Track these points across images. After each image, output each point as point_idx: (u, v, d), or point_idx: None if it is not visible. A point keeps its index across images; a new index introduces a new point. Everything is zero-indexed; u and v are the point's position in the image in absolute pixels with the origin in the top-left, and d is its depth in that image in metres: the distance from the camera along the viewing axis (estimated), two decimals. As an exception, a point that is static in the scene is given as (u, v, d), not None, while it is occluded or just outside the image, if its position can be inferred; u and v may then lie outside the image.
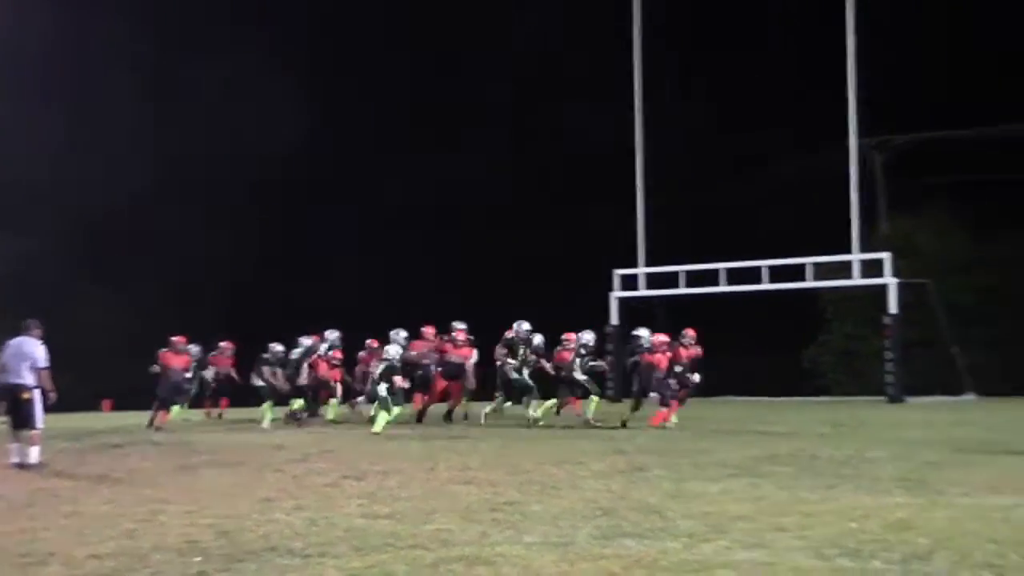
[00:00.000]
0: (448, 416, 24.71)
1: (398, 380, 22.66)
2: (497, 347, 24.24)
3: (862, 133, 34.60)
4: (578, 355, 23.43)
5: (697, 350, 23.84)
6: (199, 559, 9.20)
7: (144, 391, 26.41)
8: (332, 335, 26.06)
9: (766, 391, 34.12)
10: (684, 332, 23.70)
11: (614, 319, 35.70)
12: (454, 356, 24.74)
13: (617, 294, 36.09)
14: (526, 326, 24.30)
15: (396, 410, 22.59)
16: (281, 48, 47.67)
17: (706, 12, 44.24)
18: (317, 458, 17.04)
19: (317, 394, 25.90)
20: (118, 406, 34.98)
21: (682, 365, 23.00)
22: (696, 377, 23.71)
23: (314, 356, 25.57)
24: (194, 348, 27.46)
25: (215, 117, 44.25)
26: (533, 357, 24.03)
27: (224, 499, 12.53)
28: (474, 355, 24.91)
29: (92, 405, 34.34)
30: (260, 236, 47.81)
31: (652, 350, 22.77)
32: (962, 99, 41.59)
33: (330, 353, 25.75)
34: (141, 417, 25.86)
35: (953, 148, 40.79)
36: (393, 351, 23.22)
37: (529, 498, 12.27)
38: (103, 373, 38.17)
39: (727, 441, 19.27)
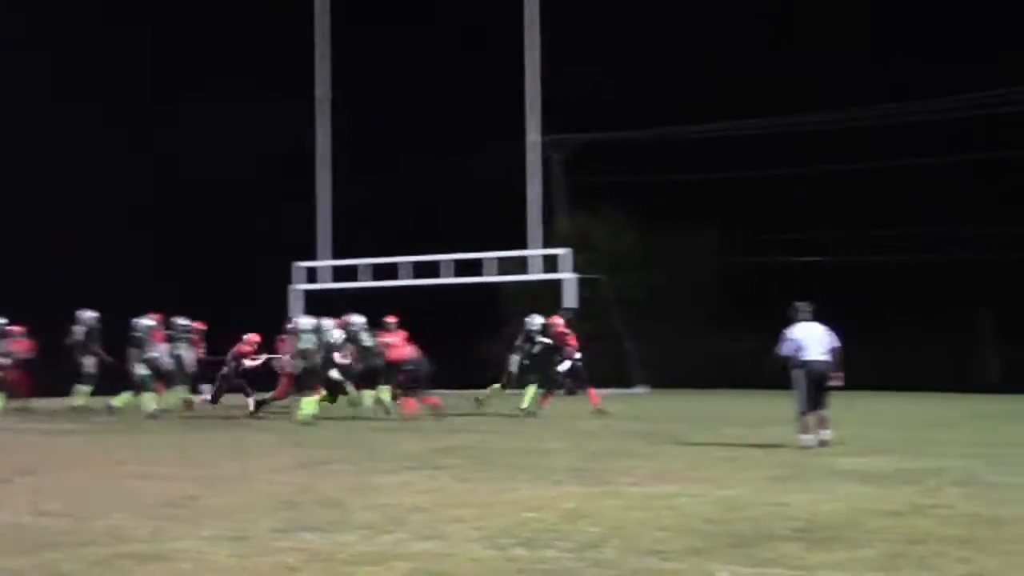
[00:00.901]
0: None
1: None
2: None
3: (541, 131, 35.41)
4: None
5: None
6: None
7: None
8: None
9: (447, 383, 34.48)
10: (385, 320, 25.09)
11: (295, 312, 35.42)
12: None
13: (297, 287, 35.86)
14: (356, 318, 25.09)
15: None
16: None
17: (393, 6, 44.54)
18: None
19: None
20: None
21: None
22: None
23: None
24: None
25: None
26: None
27: None
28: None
29: None
30: None
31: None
32: (635, 101, 43.07)
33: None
34: None
35: (627, 149, 42.18)
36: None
37: (207, 492, 12.14)
38: None
39: (407, 434, 19.46)
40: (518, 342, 24.86)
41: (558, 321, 25.01)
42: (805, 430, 16.44)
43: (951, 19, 38.96)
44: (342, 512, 10.77)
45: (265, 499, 11.64)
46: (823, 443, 16.19)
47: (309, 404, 22.05)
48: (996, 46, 37.98)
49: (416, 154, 44.56)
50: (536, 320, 24.76)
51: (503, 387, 25.22)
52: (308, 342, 22.72)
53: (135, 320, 25.06)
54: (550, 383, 24.34)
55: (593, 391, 24.18)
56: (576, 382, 24.75)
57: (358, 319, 25.25)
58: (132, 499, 11.73)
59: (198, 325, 28.48)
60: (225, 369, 24.71)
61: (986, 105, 36.71)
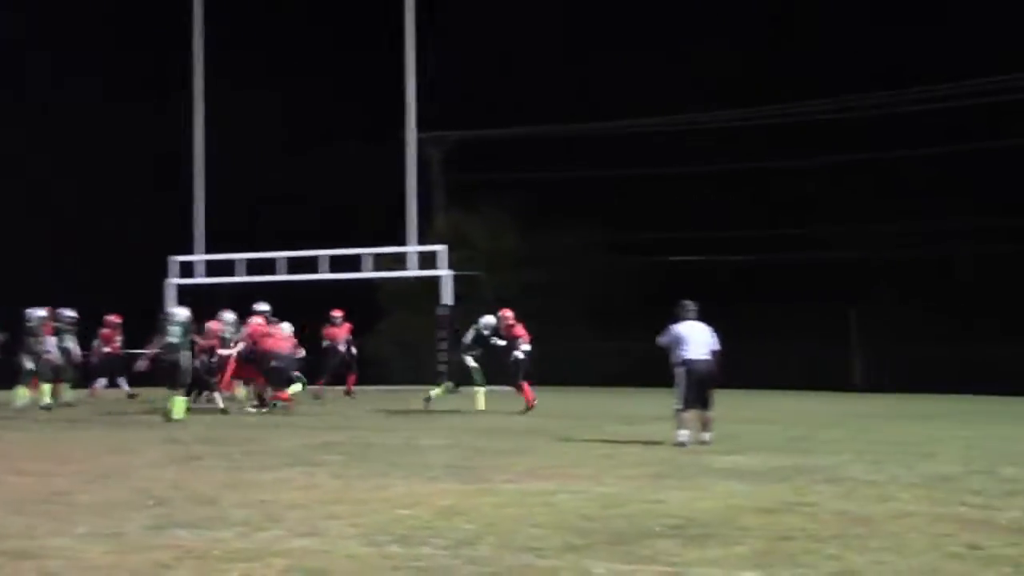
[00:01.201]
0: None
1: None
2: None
3: (420, 128, 35.36)
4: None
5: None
6: None
7: None
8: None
9: (364, 379, 34.29)
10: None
11: (171, 306, 34.92)
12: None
13: (173, 281, 35.40)
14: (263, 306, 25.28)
15: None
16: None
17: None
18: None
19: None
20: None
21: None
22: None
23: None
24: None
25: None
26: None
27: None
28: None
29: None
30: None
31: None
32: (513, 98, 43.26)
33: None
34: None
35: (506, 146, 42.33)
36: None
37: (80, 488, 11.96)
38: None
39: (283, 430, 19.34)
40: (468, 341, 24.47)
41: (507, 314, 24.84)
42: (681, 426, 16.58)
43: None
44: (217, 509, 10.67)
45: (137, 495, 11.49)
46: (703, 443, 16.32)
47: (179, 404, 21.61)
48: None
49: (296, 149, 44.30)
50: (489, 321, 24.47)
51: (456, 386, 24.91)
52: (174, 336, 22.25)
53: (27, 311, 24.82)
54: (510, 379, 24.29)
55: (528, 387, 24.09)
56: (515, 375, 24.66)
57: (230, 315, 25.10)
58: (4, 495, 11.51)
59: (114, 318, 28.71)
60: (196, 363, 23.92)
61: (855, 108, 37.38)
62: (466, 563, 8.38)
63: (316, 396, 27.64)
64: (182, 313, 22.95)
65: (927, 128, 37.21)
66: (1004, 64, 35.05)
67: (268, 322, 25.08)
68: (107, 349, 29.06)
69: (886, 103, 37.15)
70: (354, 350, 29.90)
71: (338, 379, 29.67)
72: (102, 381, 28.78)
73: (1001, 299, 37.06)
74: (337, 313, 29.56)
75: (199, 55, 36.13)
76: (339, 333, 29.36)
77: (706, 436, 16.53)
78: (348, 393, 29.16)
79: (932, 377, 32.87)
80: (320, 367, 28.93)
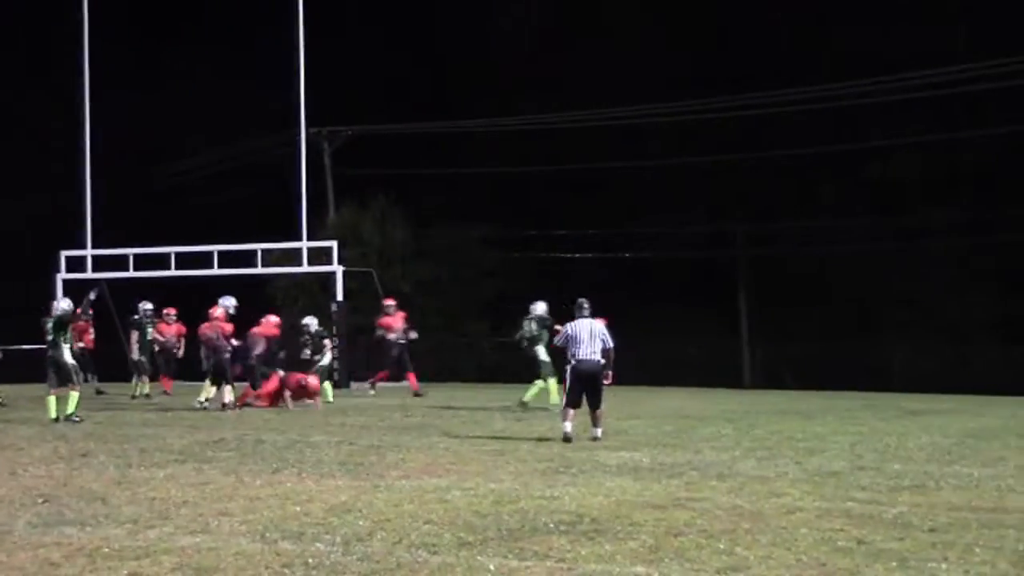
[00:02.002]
0: None
1: None
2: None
3: (312, 122, 35.16)
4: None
5: (180, 326, 28.19)
6: None
7: None
8: None
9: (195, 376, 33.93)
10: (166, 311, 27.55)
11: (58, 302, 34.37)
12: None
13: (63, 276, 34.81)
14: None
15: None
16: None
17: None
18: None
19: None
20: None
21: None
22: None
23: None
24: None
25: None
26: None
27: None
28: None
29: None
30: None
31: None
32: (407, 94, 43.25)
33: None
34: None
35: (397, 142, 42.31)
36: None
37: (-36, 487, 11.76)
38: None
39: (173, 426, 19.14)
40: (531, 331, 23.82)
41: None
42: (564, 419, 16.70)
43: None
44: (106, 506, 10.56)
45: (24, 492, 11.33)
46: (595, 439, 16.40)
47: (73, 400, 20.93)
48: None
49: (187, 143, 43.98)
50: (543, 307, 23.92)
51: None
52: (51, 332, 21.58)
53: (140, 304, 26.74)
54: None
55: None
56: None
57: (147, 305, 26.42)
58: None
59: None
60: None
61: (758, 106, 37.74)
62: (358, 559, 8.39)
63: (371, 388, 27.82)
64: (60, 307, 22.01)
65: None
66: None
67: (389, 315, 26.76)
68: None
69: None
70: (413, 335, 28.04)
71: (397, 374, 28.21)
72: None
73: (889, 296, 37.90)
74: (390, 301, 28.62)
75: (85, 44, 35.54)
76: (394, 323, 27.91)
77: (596, 432, 16.63)
78: (416, 393, 26.82)
79: (823, 374, 33.36)
80: (377, 360, 28.41)
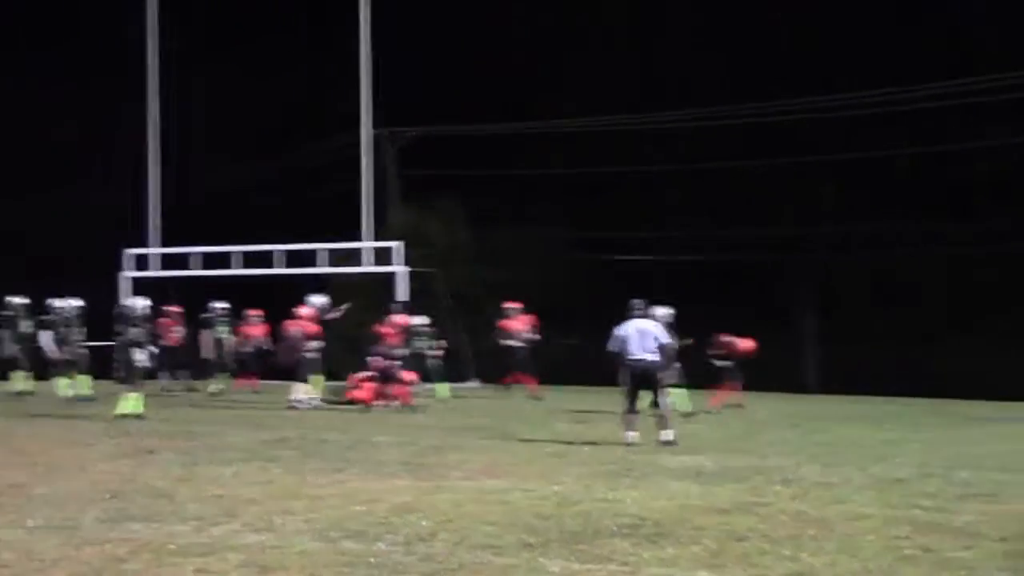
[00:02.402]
0: None
1: None
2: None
3: (376, 123, 35.22)
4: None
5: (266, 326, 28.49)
6: None
7: None
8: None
9: (280, 375, 34.09)
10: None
11: (125, 299, 34.67)
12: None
13: (128, 274, 35.12)
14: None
15: None
16: None
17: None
18: None
19: None
20: None
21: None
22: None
23: None
24: None
25: None
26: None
27: None
28: None
29: None
30: None
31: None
32: (471, 96, 43.22)
33: None
34: None
35: (462, 143, 42.24)
36: None
37: (34, 481, 11.88)
38: None
39: (237, 425, 19.23)
40: (671, 341, 23.80)
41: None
42: (628, 427, 16.56)
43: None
44: (171, 503, 10.63)
45: (92, 488, 11.44)
46: (667, 443, 16.18)
47: (137, 399, 20.92)
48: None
49: (251, 143, 44.14)
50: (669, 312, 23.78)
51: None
52: (27, 327, 21.74)
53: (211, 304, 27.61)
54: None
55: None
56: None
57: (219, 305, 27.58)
58: (-46, 488, 11.43)
59: (176, 308, 29.49)
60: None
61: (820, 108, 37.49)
62: (420, 559, 8.39)
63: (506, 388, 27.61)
64: (138, 305, 22.33)
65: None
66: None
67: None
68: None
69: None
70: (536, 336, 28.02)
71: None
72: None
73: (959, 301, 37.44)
74: (512, 305, 28.39)
75: (154, 47, 35.83)
76: (516, 326, 27.98)
77: (667, 435, 16.34)
78: (533, 396, 26.79)
79: (886, 380, 33.00)
80: (504, 363, 28.22)
